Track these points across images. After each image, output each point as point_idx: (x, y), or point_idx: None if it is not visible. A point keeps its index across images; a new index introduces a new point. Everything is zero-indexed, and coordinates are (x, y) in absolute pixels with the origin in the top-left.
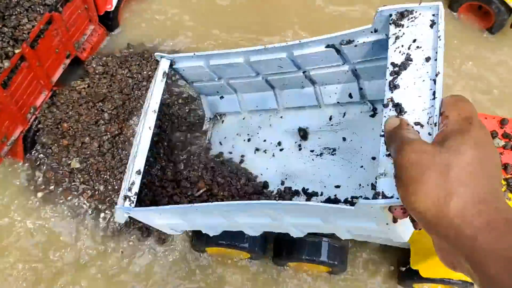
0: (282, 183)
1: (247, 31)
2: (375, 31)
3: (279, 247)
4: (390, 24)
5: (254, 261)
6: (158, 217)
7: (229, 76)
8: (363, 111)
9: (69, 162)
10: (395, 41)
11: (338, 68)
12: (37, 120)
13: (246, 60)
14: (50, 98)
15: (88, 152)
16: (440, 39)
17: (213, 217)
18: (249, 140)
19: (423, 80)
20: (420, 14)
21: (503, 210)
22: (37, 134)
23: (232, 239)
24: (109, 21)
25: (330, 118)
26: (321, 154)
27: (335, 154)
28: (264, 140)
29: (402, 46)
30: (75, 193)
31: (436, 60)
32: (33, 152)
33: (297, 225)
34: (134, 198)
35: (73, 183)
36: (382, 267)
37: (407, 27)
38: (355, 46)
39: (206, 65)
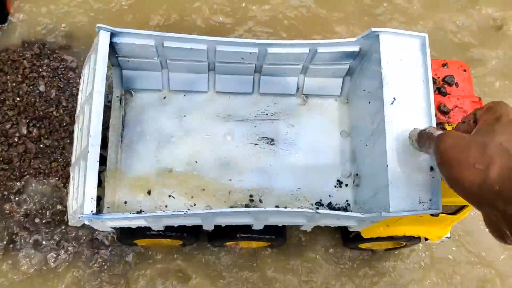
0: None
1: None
2: (356, 44)
3: (213, 231)
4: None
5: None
6: (126, 223)
7: (172, 57)
8: (297, 103)
9: None
10: (386, 59)
11: (294, 66)
12: None
13: (210, 48)
14: None
15: None
16: (428, 70)
17: (190, 220)
18: (177, 122)
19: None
20: (407, 40)
21: None
22: None
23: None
24: None
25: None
26: (259, 143)
27: (274, 144)
28: (193, 124)
29: (390, 62)
30: None
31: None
32: None
33: (278, 222)
34: (95, 201)
35: None
36: (326, 231)
37: (395, 48)
38: (330, 52)
39: (156, 46)
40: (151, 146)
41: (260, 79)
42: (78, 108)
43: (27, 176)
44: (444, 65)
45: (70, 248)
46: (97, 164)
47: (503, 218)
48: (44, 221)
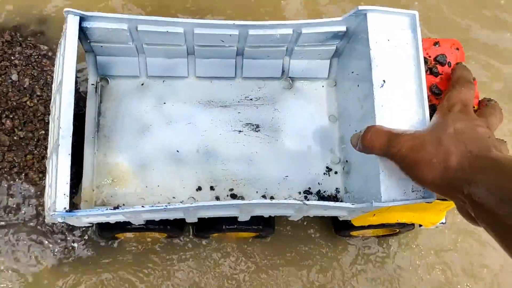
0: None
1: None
2: (343, 24)
3: (198, 222)
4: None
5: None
6: (104, 219)
7: (148, 42)
8: (282, 87)
9: None
10: (374, 39)
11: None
12: None
13: (187, 31)
14: None
15: None
16: (419, 50)
17: (171, 214)
18: (156, 109)
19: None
20: (397, 19)
21: (495, 155)
22: None
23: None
24: None
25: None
26: (243, 130)
27: (259, 131)
28: (173, 111)
29: (379, 42)
30: None
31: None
32: None
33: (265, 213)
34: (67, 197)
35: None
36: (316, 219)
37: (383, 27)
38: (315, 33)
39: (129, 29)
40: (129, 136)
41: (243, 62)
42: (52, 98)
43: (2, 170)
44: (435, 43)
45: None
46: (69, 157)
47: (470, 202)
48: (19, 216)
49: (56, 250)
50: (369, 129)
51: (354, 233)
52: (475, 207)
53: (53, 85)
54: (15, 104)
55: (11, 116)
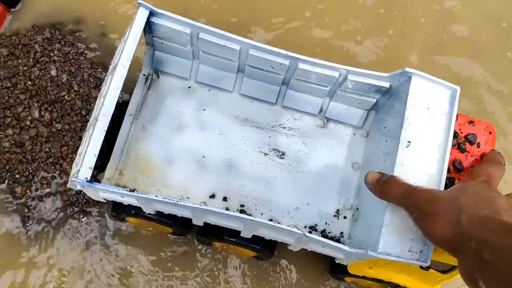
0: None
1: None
2: (387, 81)
3: (203, 227)
4: (408, 83)
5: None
6: (118, 198)
7: (205, 50)
8: (316, 124)
9: None
10: (412, 102)
11: (322, 87)
12: None
13: (243, 49)
14: None
15: (6, 144)
16: (451, 123)
17: (180, 210)
18: (195, 113)
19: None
20: (438, 88)
21: (507, 220)
22: None
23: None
24: None
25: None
26: (269, 153)
27: (283, 158)
28: (210, 119)
29: (416, 106)
30: None
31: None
32: None
33: (266, 235)
34: (91, 170)
35: None
36: (314, 258)
37: (424, 92)
38: (360, 82)
39: (191, 34)
40: (164, 130)
41: (286, 92)
42: (106, 78)
43: (38, 160)
44: (470, 122)
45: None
46: (103, 133)
47: (477, 262)
48: (53, 204)
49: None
50: (389, 178)
51: (348, 279)
52: (482, 266)
53: (110, 67)
54: (53, 98)
55: (49, 109)
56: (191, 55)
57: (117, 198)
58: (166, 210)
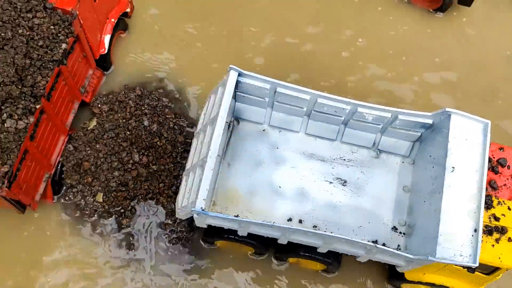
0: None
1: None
2: (430, 118)
3: (280, 244)
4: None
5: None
6: (221, 223)
7: (279, 100)
8: (371, 156)
9: (94, 197)
10: (453, 135)
11: (375, 125)
12: (60, 164)
13: (312, 99)
14: (67, 142)
15: (113, 184)
16: (486, 150)
17: (272, 231)
18: (270, 151)
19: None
20: (473, 123)
21: None
22: (62, 176)
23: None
24: (103, 62)
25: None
26: (333, 182)
27: (345, 185)
28: (283, 156)
29: (456, 138)
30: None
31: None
32: (62, 192)
33: (340, 249)
34: (205, 201)
35: (100, 218)
36: (373, 266)
37: (462, 127)
38: (408, 120)
39: (270, 89)
40: (246, 167)
41: (344, 130)
42: (199, 127)
43: (139, 196)
44: (501, 148)
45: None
46: (211, 172)
47: None
48: (152, 232)
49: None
50: None
51: (404, 285)
52: None
53: (200, 118)
54: (148, 144)
55: (146, 153)
56: (265, 104)
57: (220, 223)
58: (260, 232)
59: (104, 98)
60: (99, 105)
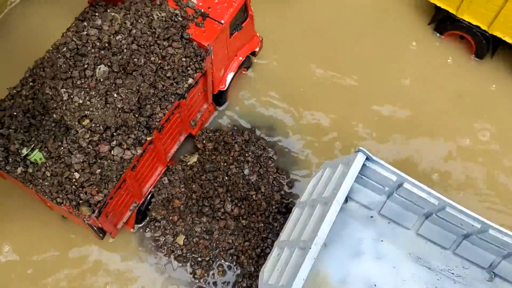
0: None
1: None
2: None
3: None
4: None
5: None
6: None
7: (402, 194)
8: (483, 277)
9: (174, 237)
10: None
11: (500, 249)
12: (150, 195)
13: (440, 205)
14: (164, 173)
15: (198, 229)
16: None
17: None
18: (373, 242)
19: None
20: None
21: None
22: (149, 207)
23: None
24: (219, 98)
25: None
26: None
27: None
28: (386, 251)
29: None
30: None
31: None
32: (143, 223)
33: None
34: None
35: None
36: None
37: None
38: None
39: (395, 181)
40: (342, 253)
41: (462, 242)
42: (306, 197)
43: (220, 248)
44: None
45: None
46: (313, 262)
47: None
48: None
49: None
50: None
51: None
52: None
53: (309, 184)
54: (243, 195)
55: (239, 204)
56: (384, 192)
57: None
58: None
59: (210, 135)
60: (204, 141)
